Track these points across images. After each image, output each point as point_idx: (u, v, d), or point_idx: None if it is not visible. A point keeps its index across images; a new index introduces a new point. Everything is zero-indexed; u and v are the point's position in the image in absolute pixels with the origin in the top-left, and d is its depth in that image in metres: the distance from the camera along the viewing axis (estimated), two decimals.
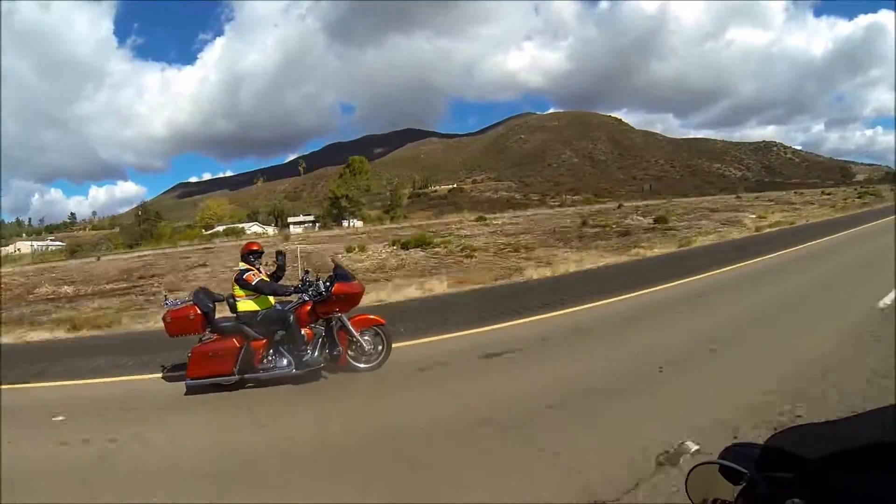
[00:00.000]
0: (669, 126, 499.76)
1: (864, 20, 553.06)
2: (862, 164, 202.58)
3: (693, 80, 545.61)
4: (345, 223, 61.49)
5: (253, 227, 72.12)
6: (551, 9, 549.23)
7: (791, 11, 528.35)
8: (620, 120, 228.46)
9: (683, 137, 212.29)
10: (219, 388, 4.71)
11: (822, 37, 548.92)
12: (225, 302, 5.13)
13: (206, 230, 63.79)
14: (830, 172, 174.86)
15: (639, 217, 30.14)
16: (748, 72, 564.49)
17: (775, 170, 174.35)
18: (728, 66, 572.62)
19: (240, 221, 77.49)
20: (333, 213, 68.88)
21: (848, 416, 0.77)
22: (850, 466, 0.65)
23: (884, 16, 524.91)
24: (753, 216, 26.45)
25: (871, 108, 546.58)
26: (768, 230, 19.91)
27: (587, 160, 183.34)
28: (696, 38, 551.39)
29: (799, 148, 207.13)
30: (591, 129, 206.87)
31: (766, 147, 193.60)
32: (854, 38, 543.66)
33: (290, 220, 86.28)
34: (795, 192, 62.50)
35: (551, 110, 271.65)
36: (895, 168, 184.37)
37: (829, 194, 53.56)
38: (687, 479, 0.80)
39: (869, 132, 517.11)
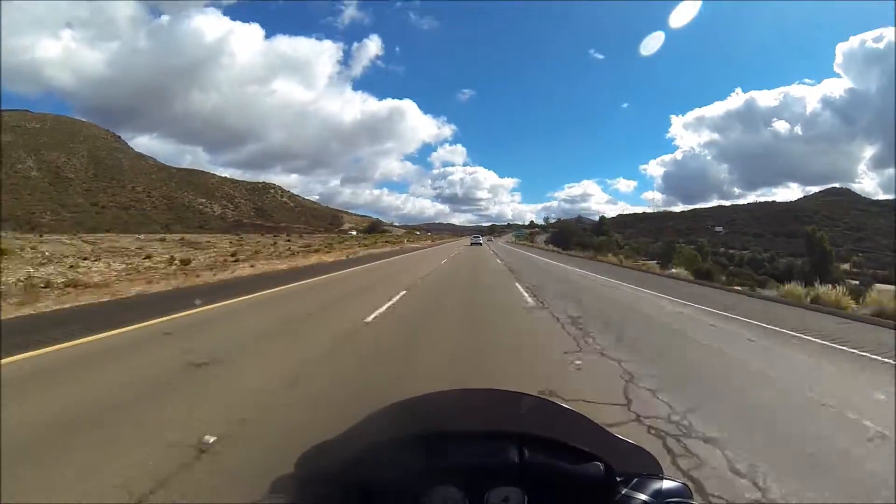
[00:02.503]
0: (198, 159, 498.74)
1: (390, 103, 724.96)
2: (356, 214, 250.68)
3: (230, 119, 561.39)
4: None
5: None
6: None
7: (334, 80, 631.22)
8: (118, 137, 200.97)
9: (179, 167, 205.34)
10: None
11: (354, 107, 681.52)
12: None
13: None
14: (321, 219, 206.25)
15: None
16: (282, 122, 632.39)
17: (266, 212, 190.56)
18: (266, 113, 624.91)
19: None
20: None
21: (356, 423, 0.69)
22: (369, 463, 0.76)
23: (406, 103, 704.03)
24: None
25: (380, 172, 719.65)
26: None
27: (51, 175, 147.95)
28: (244, 78, 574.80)
29: (297, 193, 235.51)
30: (75, 140, 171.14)
31: (263, 188, 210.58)
32: (379, 114, 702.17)
33: None
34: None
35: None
36: (374, 218, 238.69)
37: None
38: None
39: (377, 192, 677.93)
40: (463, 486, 0.73)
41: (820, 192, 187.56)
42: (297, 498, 0.78)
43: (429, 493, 0.73)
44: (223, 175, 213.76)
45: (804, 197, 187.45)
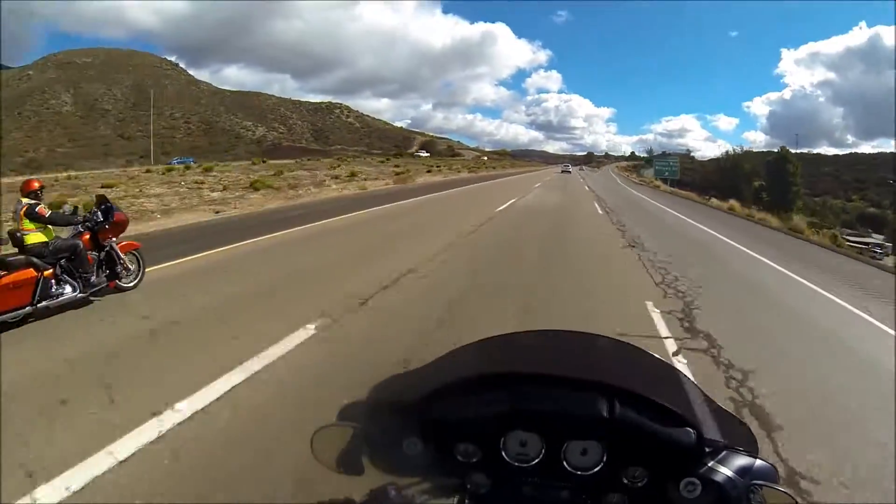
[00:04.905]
0: (286, 87, 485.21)
1: (481, 27, 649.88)
2: (437, 136, 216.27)
3: (315, 46, 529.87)
4: None
5: None
6: None
7: (423, 2, 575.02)
8: (176, 65, 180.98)
9: (237, 90, 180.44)
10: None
11: (444, 31, 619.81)
12: (8, 237, 5.07)
13: None
14: (388, 141, 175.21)
15: None
16: (369, 47, 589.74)
17: (324, 133, 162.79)
18: (352, 38, 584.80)
19: None
20: None
21: (437, 358, 0.72)
22: (448, 398, 0.74)
23: (499, 27, 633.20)
24: None
25: (473, 97, 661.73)
26: None
27: (84, 108, 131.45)
28: (326, 4, 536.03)
29: (367, 114, 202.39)
30: (122, 71, 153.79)
31: (327, 108, 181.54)
32: (471, 39, 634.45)
33: None
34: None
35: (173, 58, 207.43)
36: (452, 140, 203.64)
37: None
38: (312, 446, 0.77)
39: (469, 116, 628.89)
40: (543, 433, 0.70)
41: None
42: (366, 425, 0.75)
43: (507, 435, 0.70)
44: (306, 100, 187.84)
45: None
